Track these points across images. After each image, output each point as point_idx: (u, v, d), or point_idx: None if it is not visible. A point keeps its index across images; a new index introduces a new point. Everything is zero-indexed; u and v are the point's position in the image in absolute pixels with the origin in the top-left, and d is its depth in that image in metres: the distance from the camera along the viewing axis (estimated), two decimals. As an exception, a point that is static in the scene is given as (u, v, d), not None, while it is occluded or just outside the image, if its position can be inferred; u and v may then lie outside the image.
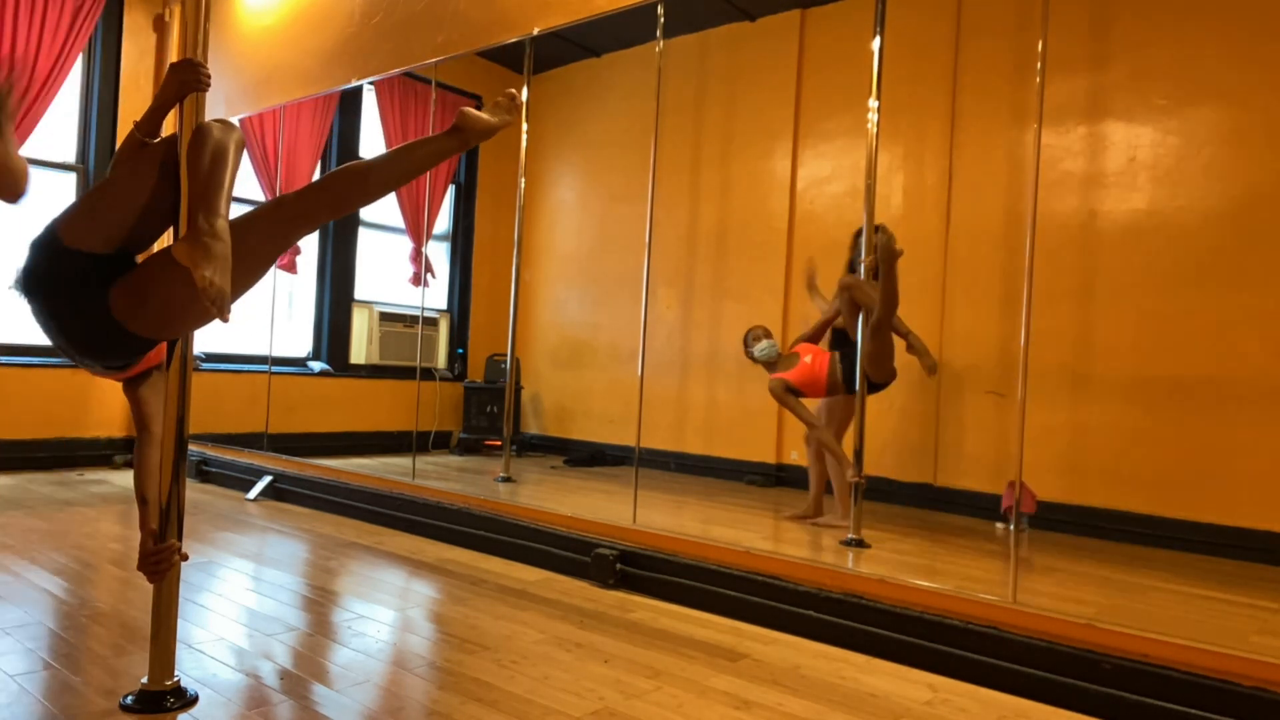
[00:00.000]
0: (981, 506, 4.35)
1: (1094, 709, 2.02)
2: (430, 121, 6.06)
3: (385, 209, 6.34)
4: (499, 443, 6.11)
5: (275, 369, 5.49)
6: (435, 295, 6.78)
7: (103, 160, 5.12)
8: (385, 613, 2.53)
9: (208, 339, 5.36)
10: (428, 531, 3.65)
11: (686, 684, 2.06)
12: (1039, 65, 3.15)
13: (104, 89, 5.17)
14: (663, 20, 3.63)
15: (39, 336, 1.72)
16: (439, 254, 6.75)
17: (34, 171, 1.67)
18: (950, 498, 4.56)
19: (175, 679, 1.82)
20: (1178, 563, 3.57)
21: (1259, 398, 3.74)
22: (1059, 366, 4.24)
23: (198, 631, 2.25)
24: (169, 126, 1.77)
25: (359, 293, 6.31)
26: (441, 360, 6.70)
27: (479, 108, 6.91)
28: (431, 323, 6.65)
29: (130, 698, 1.76)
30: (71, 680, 1.88)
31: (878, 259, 3.36)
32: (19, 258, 1.62)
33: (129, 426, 5.28)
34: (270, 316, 5.39)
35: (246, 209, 1.75)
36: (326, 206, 1.77)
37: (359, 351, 6.21)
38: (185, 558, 1.87)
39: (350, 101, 6.14)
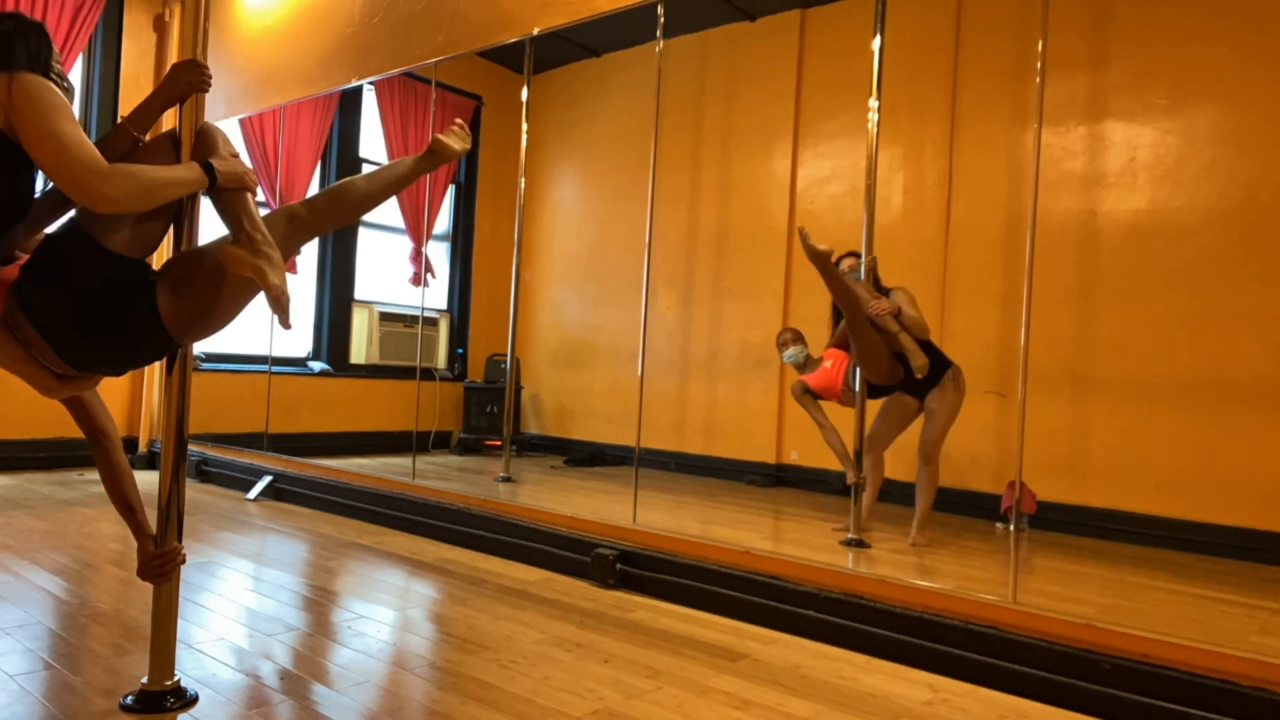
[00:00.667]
0: (982, 506, 4.35)
1: (1094, 709, 2.02)
2: (430, 121, 6.06)
3: (385, 209, 6.33)
4: (499, 443, 6.11)
5: (275, 369, 5.49)
6: (435, 295, 6.77)
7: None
8: (385, 613, 2.53)
9: (208, 339, 5.35)
10: (428, 531, 3.65)
11: (686, 684, 2.06)
12: (1039, 65, 3.15)
13: (104, 89, 5.17)
14: (663, 20, 3.62)
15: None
16: (439, 254, 6.75)
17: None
18: (950, 498, 4.56)
19: (175, 679, 1.82)
20: (1178, 563, 3.57)
21: (1259, 398, 3.74)
22: (1059, 366, 4.24)
23: (198, 631, 2.25)
24: (165, 125, 1.77)
25: (359, 293, 6.31)
26: (441, 360, 6.70)
27: (478, 108, 6.92)
28: (431, 323, 6.65)
29: (130, 698, 1.77)
30: (71, 680, 1.88)
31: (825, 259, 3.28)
32: (42, 258, 1.60)
33: (129, 426, 5.28)
34: (270, 316, 5.38)
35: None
36: (329, 220, 1.92)
37: (359, 351, 6.21)
38: (183, 559, 1.87)
39: (350, 101, 6.14)
